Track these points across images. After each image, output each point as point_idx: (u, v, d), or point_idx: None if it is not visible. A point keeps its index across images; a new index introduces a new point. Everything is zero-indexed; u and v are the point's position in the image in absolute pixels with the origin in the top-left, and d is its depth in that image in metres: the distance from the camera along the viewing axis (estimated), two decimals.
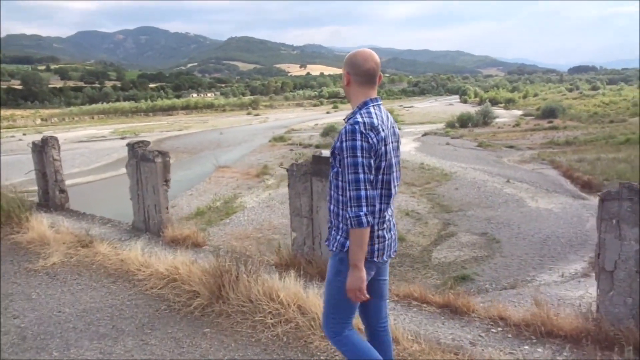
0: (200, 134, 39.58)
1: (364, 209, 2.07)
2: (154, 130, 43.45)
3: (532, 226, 11.30)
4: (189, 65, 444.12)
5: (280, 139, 31.07)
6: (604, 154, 20.19)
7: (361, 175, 2.07)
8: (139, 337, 3.56)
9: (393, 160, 2.24)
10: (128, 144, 6.46)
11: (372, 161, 2.10)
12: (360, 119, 2.12)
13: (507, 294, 7.69)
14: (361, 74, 2.23)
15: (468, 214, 12.54)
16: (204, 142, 33.03)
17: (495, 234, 10.78)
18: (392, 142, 2.24)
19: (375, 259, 2.25)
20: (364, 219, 2.07)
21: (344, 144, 2.09)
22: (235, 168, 20.83)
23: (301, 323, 3.43)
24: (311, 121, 48.57)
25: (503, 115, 41.44)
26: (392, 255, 2.38)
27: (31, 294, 4.38)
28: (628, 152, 20.01)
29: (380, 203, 2.21)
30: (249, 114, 67.72)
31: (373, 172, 2.12)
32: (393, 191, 2.26)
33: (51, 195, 7.73)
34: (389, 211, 2.30)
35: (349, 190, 2.09)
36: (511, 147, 24.49)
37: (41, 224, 5.99)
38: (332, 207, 2.31)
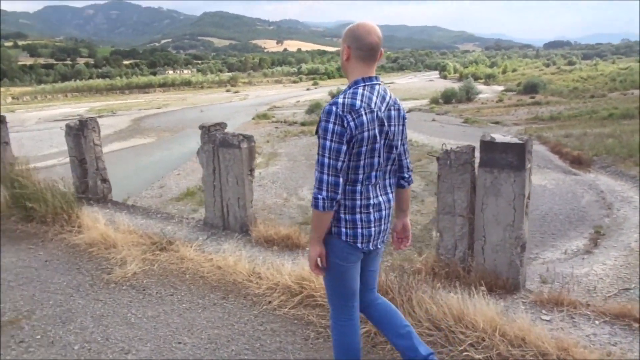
0: (180, 111, 38.71)
1: (323, 193, 2.03)
2: (132, 108, 42.31)
3: None
4: (163, 41, 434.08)
5: (264, 116, 30.56)
6: (589, 129, 20.35)
7: (326, 160, 2.01)
8: None
9: (384, 143, 2.14)
10: (202, 127, 5.46)
11: (343, 146, 2.01)
12: (340, 100, 2.03)
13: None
14: (363, 48, 2.10)
15: None
16: (184, 120, 32.26)
17: None
18: (385, 125, 2.12)
19: (359, 244, 2.17)
20: (320, 202, 2.04)
21: (320, 124, 2.04)
22: None
23: None
24: (292, 98, 48.01)
25: (485, 91, 41.48)
26: (379, 246, 2.28)
27: (128, 316, 3.51)
28: (613, 127, 20.18)
29: (362, 186, 2.13)
30: (227, 91, 66.54)
31: (343, 157, 2.02)
32: (377, 175, 2.17)
33: (91, 185, 6.75)
34: (383, 197, 2.22)
35: (315, 170, 2.07)
36: (497, 122, 24.51)
37: (97, 221, 5.14)
38: None
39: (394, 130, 2.17)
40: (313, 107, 27.76)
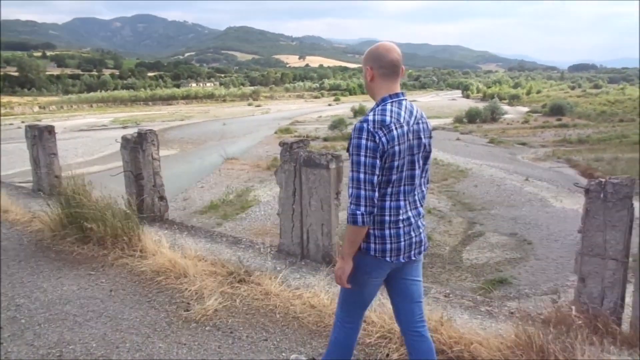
0: (203, 124, 39.00)
1: (362, 208, 2.07)
2: (155, 119, 42.79)
3: (561, 227, 10.91)
4: (187, 54, 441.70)
5: (286, 130, 30.58)
6: (621, 153, 19.84)
7: (362, 175, 2.06)
8: None
9: (414, 158, 2.19)
10: (283, 143, 4.94)
11: (377, 161, 2.06)
12: (371, 117, 2.11)
13: (549, 300, 7.33)
14: (385, 66, 2.18)
15: (492, 213, 12.15)
16: (207, 133, 32.46)
17: (525, 235, 10.40)
18: (414, 139, 2.17)
19: (387, 259, 2.22)
20: (359, 218, 2.08)
21: (352, 141, 2.09)
22: (244, 160, 20.37)
23: None
24: (314, 113, 48.06)
25: (509, 112, 41.01)
26: (414, 257, 2.30)
27: None
28: None
29: (391, 201, 2.18)
30: (249, 104, 67.05)
31: (377, 172, 2.08)
32: (406, 189, 2.21)
33: (147, 203, 6.22)
34: (412, 212, 2.26)
35: (350, 187, 2.09)
36: (523, 144, 24.10)
37: (160, 244, 4.68)
38: None
39: (424, 142, 2.22)
40: (336, 123, 27.64)
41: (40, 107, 57.61)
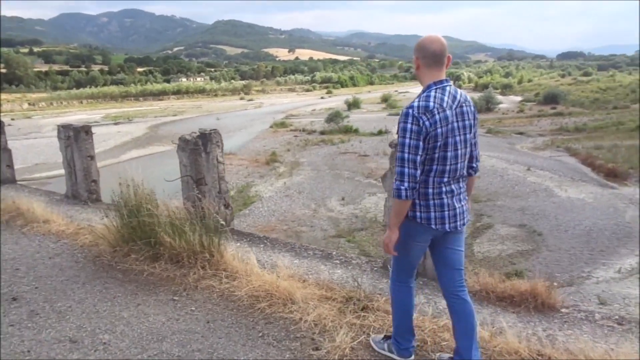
0: (196, 119, 38.56)
1: (405, 184, 2.32)
2: (147, 115, 42.30)
3: (569, 217, 10.83)
4: (176, 49, 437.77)
5: (282, 124, 30.30)
6: (619, 140, 19.82)
7: (406, 155, 2.31)
8: None
9: (458, 138, 2.39)
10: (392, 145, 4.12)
11: (420, 143, 2.30)
12: (416, 103, 2.35)
13: (566, 291, 7.22)
14: (428, 56, 2.40)
15: (498, 204, 12.04)
16: (201, 128, 32.07)
17: (534, 226, 10.29)
18: (457, 121, 2.39)
19: (433, 226, 2.46)
20: (403, 193, 2.33)
21: (399, 125, 2.35)
22: (242, 155, 20.09)
23: None
24: (308, 106, 47.76)
25: (502, 101, 40.94)
26: (460, 228, 2.52)
27: None
28: None
29: (434, 177, 2.41)
30: (242, 98, 66.51)
31: (420, 152, 2.31)
32: (450, 167, 2.41)
33: (211, 212, 5.54)
34: (455, 186, 2.47)
35: (396, 166, 2.37)
36: (521, 133, 24.05)
37: (247, 261, 4.07)
38: None
39: (467, 124, 2.44)
40: (332, 116, 27.33)
41: (29, 104, 56.71)
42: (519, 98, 46.95)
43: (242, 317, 3.43)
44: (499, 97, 42.99)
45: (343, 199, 12.77)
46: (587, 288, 7.42)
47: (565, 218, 10.79)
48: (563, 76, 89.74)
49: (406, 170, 2.31)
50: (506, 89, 57.61)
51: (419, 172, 2.33)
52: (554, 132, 24.12)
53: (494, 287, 3.73)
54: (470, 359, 2.56)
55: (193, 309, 3.59)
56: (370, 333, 3.09)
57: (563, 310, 3.52)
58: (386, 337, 2.92)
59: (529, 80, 76.96)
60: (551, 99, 37.29)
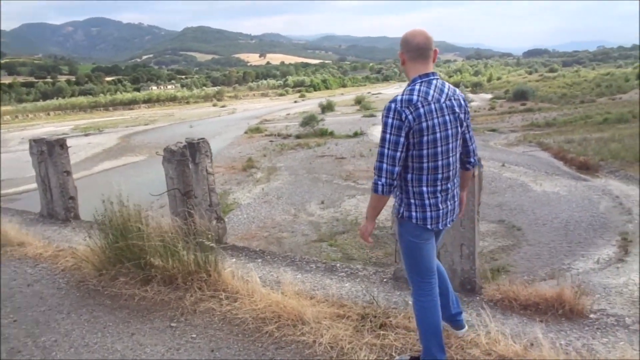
0: (169, 127, 38.06)
1: (383, 179, 2.30)
2: (118, 125, 41.51)
3: (546, 211, 11.00)
4: (145, 57, 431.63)
5: (257, 130, 30.09)
6: (589, 134, 20.31)
7: (385, 150, 2.28)
8: None
9: (449, 132, 2.35)
10: None
11: (401, 139, 2.26)
12: (399, 97, 2.30)
13: (549, 285, 7.30)
14: (412, 49, 2.37)
15: None
16: (175, 136, 31.44)
17: (512, 221, 10.42)
18: (447, 114, 2.33)
19: (428, 226, 2.43)
20: (379, 188, 2.31)
21: (382, 119, 2.31)
22: (217, 162, 19.82)
23: None
24: (281, 111, 47.60)
25: (473, 99, 41.60)
26: (448, 225, 2.53)
27: None
28: (612, 131, 20.18)
29: (428, 174, 2.36)
30: (214, 105, 65.86)
31: (400, 149, 2.27)
32: (442, 161, 2.37)
33: (201, 226, 5.33)
34: (450, 183, 2.44)
35: (376, 160, 2.32)
36: (493, 130, 24.42)
37: (248, 279, 3.77)
38: None
39: (457, 117, 2.39)
40: (307, 120, 27.29)
41: None
42: (489, 96, 47.78)
43: (250, 342, 3.13)
44: (470, 96, 43.69)
45: (322, 202, 12.70)
46: (568, 281, 7.51)
47: (543, 212, 10.95)
48: (530, 73, 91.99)
49: (384, 166, 2.30)
50: (476, 87, 58.59)
51: (397, 168, 2.30)
52: (525, 127, 24.58)
53: (517, 295, 3.53)
54: (451, 313, 2.80)
55: (194, 335, 3.30)
56: (393, 354, 2.84)
57: (592, 316, 3.37)
58: (413, 359, 2.71)
59: (498, 78, 78.58)
60: (520, 95, 38.05)
